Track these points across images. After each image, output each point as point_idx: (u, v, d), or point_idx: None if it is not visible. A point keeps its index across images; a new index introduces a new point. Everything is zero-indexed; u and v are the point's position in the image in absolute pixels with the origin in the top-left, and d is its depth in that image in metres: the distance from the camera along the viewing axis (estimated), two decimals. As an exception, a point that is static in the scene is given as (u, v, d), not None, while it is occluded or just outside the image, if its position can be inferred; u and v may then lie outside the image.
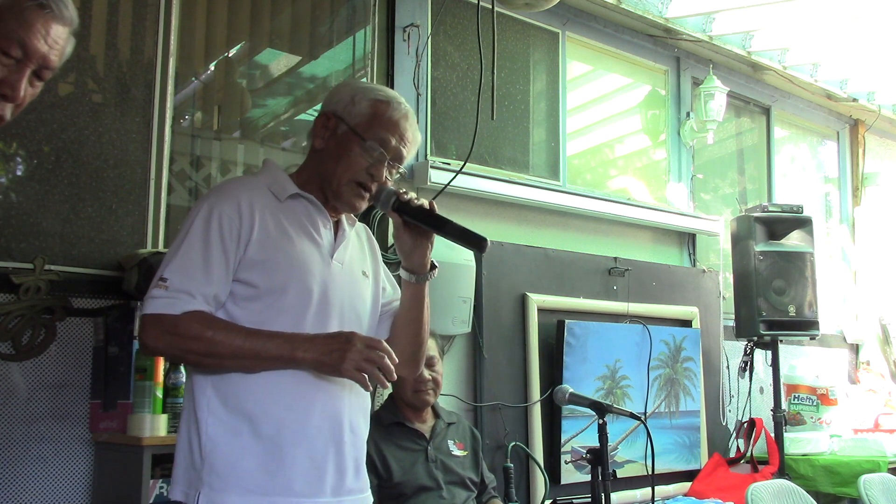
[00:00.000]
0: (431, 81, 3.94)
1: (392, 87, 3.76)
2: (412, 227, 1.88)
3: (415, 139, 1.94)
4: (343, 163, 1.86)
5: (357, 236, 2.00)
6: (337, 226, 1.94)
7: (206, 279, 1.72)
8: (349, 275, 1.90)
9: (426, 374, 3.10)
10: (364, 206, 1.90)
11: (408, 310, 1.96)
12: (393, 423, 3.04)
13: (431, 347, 3.15)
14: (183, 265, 1.72)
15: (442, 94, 4.01)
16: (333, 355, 1.69)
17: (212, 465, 1.71)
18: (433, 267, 1.95)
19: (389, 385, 1.73)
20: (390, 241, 3.35)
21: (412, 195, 1.87)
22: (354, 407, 1.86)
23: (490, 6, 3.54)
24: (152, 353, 1.79)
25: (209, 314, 1.71)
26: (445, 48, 4.06)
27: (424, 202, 1.86)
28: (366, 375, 1.71)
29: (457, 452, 3.15)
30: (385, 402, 3.18)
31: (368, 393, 1.89)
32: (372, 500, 1.93)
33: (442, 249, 3.56)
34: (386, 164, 1.87)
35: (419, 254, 1.91)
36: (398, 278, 2.00)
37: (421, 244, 1.90)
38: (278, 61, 3.79)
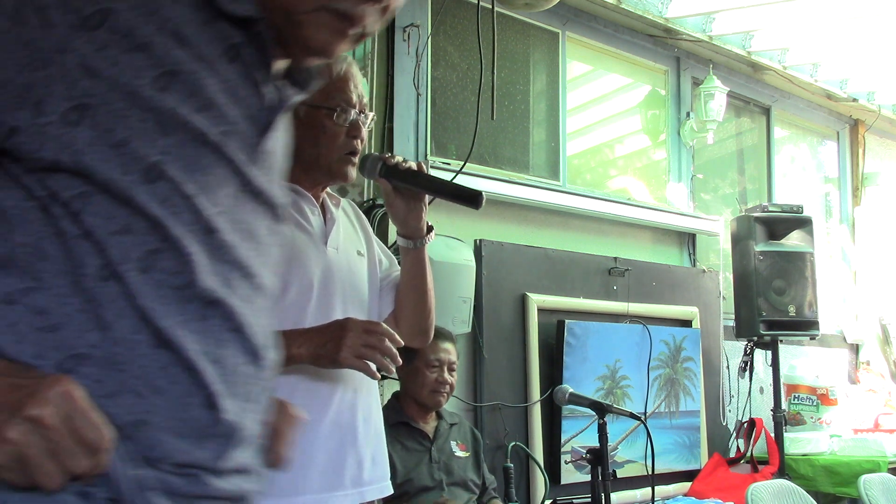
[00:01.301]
0: (431, 81, 3.94)
1: (392, 87, 3.76)
2: (403, 191, 1.81)
3: (360, 77, 1.89)
4: (323, 141, 1.81)
5: (345, 215, 1.95)
6: (324, 210, 1.89)
7: None
8: (345, 258, 1.86)
9: (447, 376, 3.07)
10: (355, 172, 1.85)
11: (410, 278, 1.91)
12: (398, 423, 3.02)
13: (451, 351, 3.13)
14: None
15: (442, 94, 4.01)
16: (328, 346, 1.65)
17: None
18: (430, 230, 1.88)
19: (398, 381, 1.71)
20: (391, 239, 3.34)
21: (398, 158, 1.81)
22: (365, 397, 1.84)
23: (490, 6, 3.54)
24: None
25: None
26: (445, 48, 4.06)
27: (412, 164, 1.80)
28: (368, 363, 1.66)
29: (459, 454, 3.14)
30: (389, 401, 3.16)
31: (377, 381, 1.87)
32: (391, 488, 1.92)
33: (442, 250, 3.56)
34: (359, 117, 1.84)
35: (414, 217, 1.84)
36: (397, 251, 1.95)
37: (414, 207, 1.83)
38: (278, 61, 3.79)
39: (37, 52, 0.81)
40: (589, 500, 2.72)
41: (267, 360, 0.95)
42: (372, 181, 2.81)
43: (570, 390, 2.88)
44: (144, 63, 0.84)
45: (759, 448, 4.56)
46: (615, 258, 4.43)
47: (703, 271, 4.91)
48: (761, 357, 4.72)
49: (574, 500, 3.60)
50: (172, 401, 0.84)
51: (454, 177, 3.71)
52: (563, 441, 3.91)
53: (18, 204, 0.82)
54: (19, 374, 0.78)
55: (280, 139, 1.03)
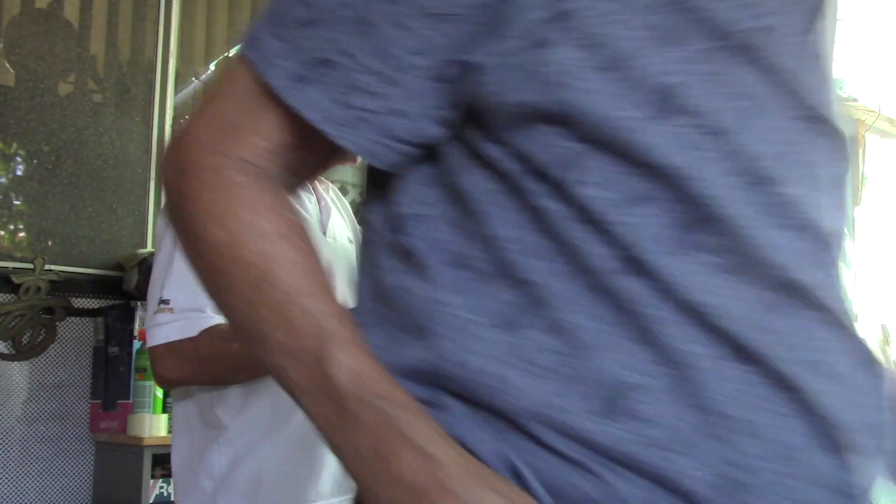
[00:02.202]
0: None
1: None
2: None
3: None
4: None
5: (334, 200, 1.84)
6: (317, 195, 1.76)
7: None
8: (342, 249, 1.76)
9: None
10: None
11: None
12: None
13: None
14: (180, 281, 1.48)
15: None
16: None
17: (233, 483, 1.57)
18: None
19: None
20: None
21: None
22: None
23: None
24: (174, 385, 1.59)
25: (226, 325, 1.54)
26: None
27: None
28: None
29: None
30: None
31: None
32: None
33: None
34: None
35: None
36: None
37: None
38: (278, 61, 3.79)
39: None
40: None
41: (882, 369, 0.62)
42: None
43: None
44: None
45: (759, 448, 4.56)
46: (615, 258, 4.43)
47: (703, 271, 4.91)
48: (761, 357, 4.71)
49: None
50: (780, 444, 0.55)
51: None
52: (563, 441, 3.91)
53: (484, 187, 0.60)
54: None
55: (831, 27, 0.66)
